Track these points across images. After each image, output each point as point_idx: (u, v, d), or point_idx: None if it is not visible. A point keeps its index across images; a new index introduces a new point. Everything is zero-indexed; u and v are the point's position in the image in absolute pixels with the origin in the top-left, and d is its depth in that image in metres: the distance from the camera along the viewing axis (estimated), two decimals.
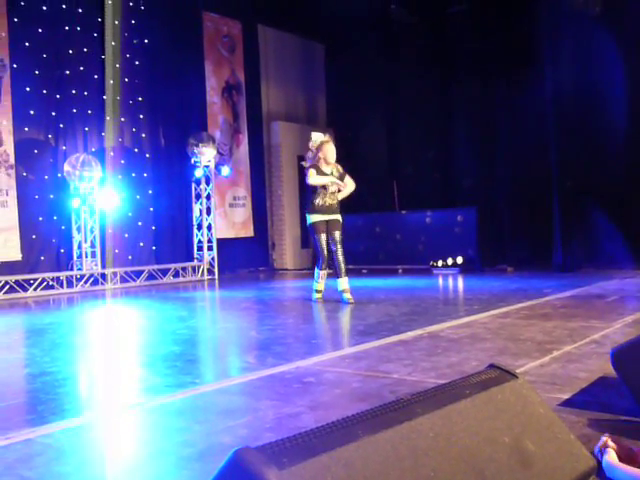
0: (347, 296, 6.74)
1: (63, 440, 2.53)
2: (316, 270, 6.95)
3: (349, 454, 1.00)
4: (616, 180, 9.54)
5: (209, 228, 11.09)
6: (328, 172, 6.77)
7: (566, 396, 2.82)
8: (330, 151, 6.76)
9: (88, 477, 2.15)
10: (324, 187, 6.75)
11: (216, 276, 11.01)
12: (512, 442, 1.21)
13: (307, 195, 6.98)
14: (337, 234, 6.78)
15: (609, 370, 2.93)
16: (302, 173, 7.47)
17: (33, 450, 2.40)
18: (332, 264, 6.90)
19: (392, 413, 1.13)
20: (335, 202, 6.83)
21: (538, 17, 10.03)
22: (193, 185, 11.08)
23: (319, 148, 6.79)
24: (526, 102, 10.35)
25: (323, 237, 6.77)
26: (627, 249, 9.43)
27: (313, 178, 6.69)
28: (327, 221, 6.80)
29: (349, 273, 6.99)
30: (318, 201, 6.74)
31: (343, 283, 6.78)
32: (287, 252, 12.93)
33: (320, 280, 6.94)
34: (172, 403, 3.03)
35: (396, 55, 12.51)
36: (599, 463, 1.39)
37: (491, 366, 1.44)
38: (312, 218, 6.82)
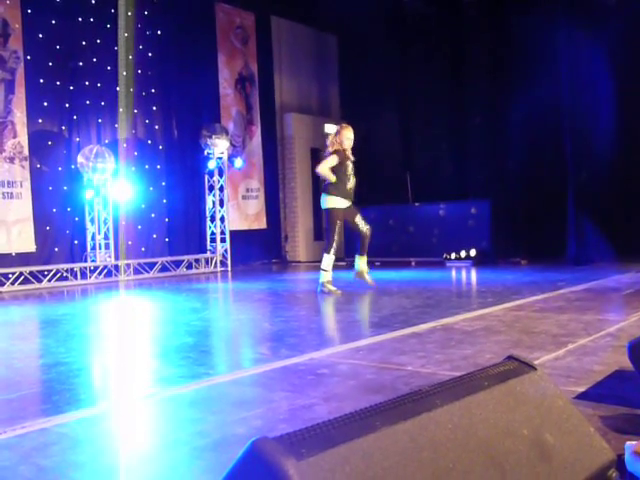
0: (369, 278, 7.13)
1: (78, 430, 2.54)
2: (325, 257, 6.87)
3: (367, 445, 0.99)
4: (632, 173, 9.48)
5: (222, 220, 11.11)
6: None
7: (582, 389, 2.80)
8: (346, 137, 6.89)
9: (103, 466, 2.16)
10: (346, 171, 6.88)
11: (229, 268, 11.03)
12: (531, 434, 1.20)
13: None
14: (359, 215, 7.02)
15: (625, 363, 2.91)
16: (316, 164, 7.59)
17: (48, 439, 2.41)
18: (360, 243, 7.05)
19: (410, 404, 1.12)
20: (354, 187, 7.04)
21: (555, 9, 9.93)
22: (206, 177, 11.10)
23: (338, 132, 6.95)
24: (541, 94, 10.26)
25: (340, 224, 6.87)
26: None
27: (325, 168, 6.86)
28: (345, 209, 6.93)
29: None
30: (347, 185, 6.88)
31: (364, 262, 7.10)
32: (300, 244, 12.93)
33: (328, 269, 6.87)
34: (186, 394, 3.03)
35: (410, 47, 12.44)
36: (619, 457, 1.38)
37: (509, 358, 1.42)
38: (333, 202, 6.86)
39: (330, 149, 6.90)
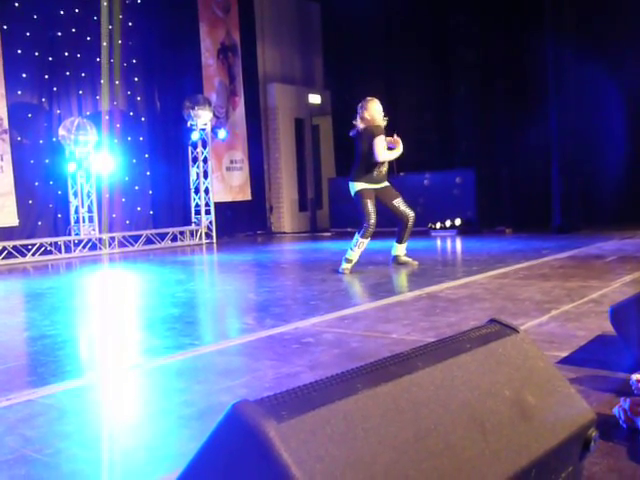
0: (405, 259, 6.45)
1: (64, 401, 2.54)
2: (356, 236, 6.17)
3: (349, 407, 1.00)
4: (617, 141, 9.53)
5: (206, 192, 11.05)
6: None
7: (564, 354, 2.83)
8: (376, 110, 6.24)
9: (90, 436, 2.16)
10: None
11: (214, 240, 11.01)
12: (513, 395, 1.21)
13: (356, 162, 6.26)
14: (399, 199, 6.34)
15: (607, 328, 2.94)
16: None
17: (35, 410, 2.41)
18: (401, 228, 6.45)
19: (392, 367, 1.13)
20: (387, 169, 6.37)
21: None
22: (190, 148, 11.01)
23: (364, 108, 6.20)
24: (527, 63, 10.22)
25: (371, 202, 6.14)
26: (625, 210, 9.47)
27: (384, 153, 6.16)
28: (377, 189, 6.23)
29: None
30: (375, 172, 6.18)
31: (403, 249, 6.51)
32: (285, 215, 12.91)
33: (357, 249, 6.15)
34: (172, 364, 3.04)
35: (394, 15, 12.30)
36: (598, 415, 1.40)
37: (492, 321, 1.43)
38: (359, 186, 6.16)
39: (361, 125, 6.21)
